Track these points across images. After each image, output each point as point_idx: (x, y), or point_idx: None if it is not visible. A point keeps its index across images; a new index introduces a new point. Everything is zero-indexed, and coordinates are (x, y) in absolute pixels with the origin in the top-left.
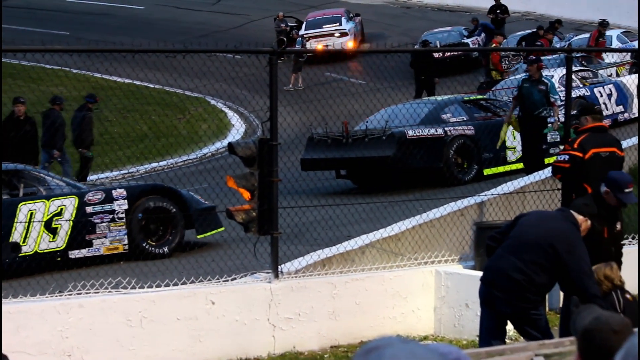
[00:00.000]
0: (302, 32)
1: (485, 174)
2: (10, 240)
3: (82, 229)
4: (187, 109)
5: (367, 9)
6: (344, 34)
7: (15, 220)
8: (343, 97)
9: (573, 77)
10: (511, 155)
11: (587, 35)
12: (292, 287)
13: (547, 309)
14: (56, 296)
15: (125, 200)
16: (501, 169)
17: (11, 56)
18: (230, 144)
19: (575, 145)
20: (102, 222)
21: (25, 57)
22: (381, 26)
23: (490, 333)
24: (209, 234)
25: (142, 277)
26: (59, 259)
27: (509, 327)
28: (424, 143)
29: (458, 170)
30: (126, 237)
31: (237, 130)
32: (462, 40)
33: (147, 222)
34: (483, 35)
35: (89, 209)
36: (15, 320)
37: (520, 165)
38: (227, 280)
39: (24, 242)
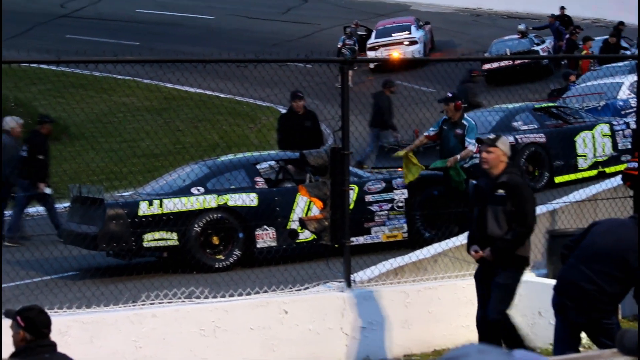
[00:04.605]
0: (371, 40)
1: (556, 181)
2: (287, 227)
3: (361, 217)
4: (259, 119)
5: (437, 17)
6: (413, 42)
7: (294, 208)
8: (414, 106)
9: None
10: (582, 163)
11: None
12: (364, 296)
13: (620, 316)
14: (129, 306)
15: (406, 190)
16: (573, 176)
17: (83, 67)
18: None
19: None
20: (381, 211)
21: (97, 67)
22: (451, 34)
23: (564, 341)
24: None
25: (214, 286)
26: (337, 246)
27: (583, 334)
28: None
29: (529, 178)
30: (405, 225)
31: None
32: (532, 48)
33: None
34: (551, 41)
35: (368, 198)
36: (89, 330)
37: (593, 173)
38: (300, 290)
39: (301, 229)
